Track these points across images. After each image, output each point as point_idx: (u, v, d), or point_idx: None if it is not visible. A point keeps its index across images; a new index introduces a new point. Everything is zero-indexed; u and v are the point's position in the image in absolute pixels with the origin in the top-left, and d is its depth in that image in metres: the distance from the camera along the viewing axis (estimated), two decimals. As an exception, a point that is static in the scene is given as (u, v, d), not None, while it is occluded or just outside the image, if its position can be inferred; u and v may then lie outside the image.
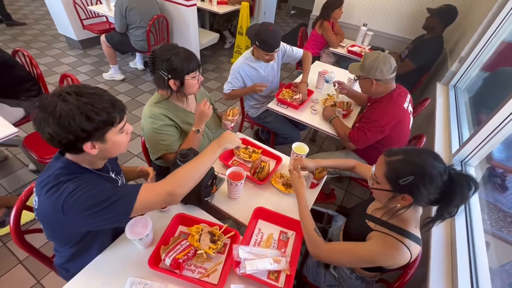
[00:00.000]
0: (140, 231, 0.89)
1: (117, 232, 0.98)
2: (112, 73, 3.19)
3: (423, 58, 2.39)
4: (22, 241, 0.95)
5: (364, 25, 2.90)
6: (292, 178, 1.15)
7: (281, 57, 1.94)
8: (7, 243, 1.60)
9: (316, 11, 3.35)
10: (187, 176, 0.82)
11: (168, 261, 0.86)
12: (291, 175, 1.17)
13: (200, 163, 0.86)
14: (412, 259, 0.84)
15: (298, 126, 2.11)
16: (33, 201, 0.82)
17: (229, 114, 1.38)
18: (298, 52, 1.95)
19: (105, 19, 3.54)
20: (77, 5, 3.17)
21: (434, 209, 0.85)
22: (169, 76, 1.12)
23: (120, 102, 0.79)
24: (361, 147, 1.54)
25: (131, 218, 0.87)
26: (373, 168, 0.90)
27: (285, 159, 1.40)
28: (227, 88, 1.84)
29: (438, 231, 1.10)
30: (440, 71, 2.49)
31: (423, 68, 2.45)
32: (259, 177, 1.22)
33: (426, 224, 0.82)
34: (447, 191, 0.76)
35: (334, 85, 1.86)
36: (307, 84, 1.90)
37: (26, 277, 1.47)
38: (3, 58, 1.67)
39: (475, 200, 1.19)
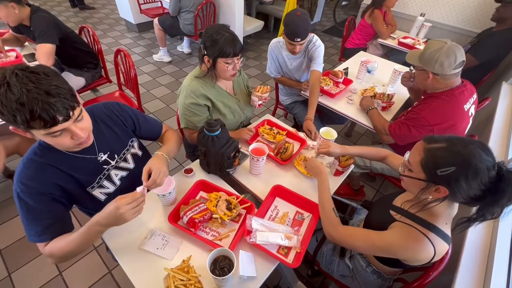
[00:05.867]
0: (164, 188, 0.97)
1: None
2: (161, 55, 3.43)
3: (489, 53, 2.09)
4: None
5: (422, 15, 2.64)
6: (312, 160, 1.14)
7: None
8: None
9: (367, 0, 3.14)
10: (64, 252, 0.79)
11: (185, 219, 0.92)
12: (311, 159, 1.16)
13: (75, 245, 0.77)
14: (435, 258, 0.77)
15: (335, 121, 2.03)
16: None
17: (258, 90, 1.34)
18: (317, 60, 1.65)
19: (159, 4, 3.80)
20: (137, -10, 3.46)
21: (472, 208, 0.76)
22: (205, 51, 1.16)
23: (48, 108, 0.62)
24: (402, 144, 1.41)
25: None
26: (407, 154, 0.83)
27: (309, 143, 1.37)
28: (272, 70, 1.85)
29: (474, 234, 0.98)
30: (509, 69, 2.16)
31: (488, 64, 2.14)
32: (282, 158, 1.22)
33: (462, 224, 0.72)
34: (492, 188, 0.67)
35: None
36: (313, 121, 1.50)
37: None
38: (71, 34, 1.92)
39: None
